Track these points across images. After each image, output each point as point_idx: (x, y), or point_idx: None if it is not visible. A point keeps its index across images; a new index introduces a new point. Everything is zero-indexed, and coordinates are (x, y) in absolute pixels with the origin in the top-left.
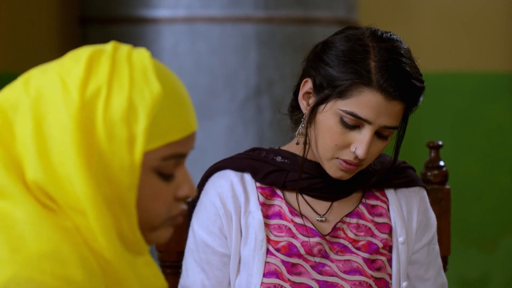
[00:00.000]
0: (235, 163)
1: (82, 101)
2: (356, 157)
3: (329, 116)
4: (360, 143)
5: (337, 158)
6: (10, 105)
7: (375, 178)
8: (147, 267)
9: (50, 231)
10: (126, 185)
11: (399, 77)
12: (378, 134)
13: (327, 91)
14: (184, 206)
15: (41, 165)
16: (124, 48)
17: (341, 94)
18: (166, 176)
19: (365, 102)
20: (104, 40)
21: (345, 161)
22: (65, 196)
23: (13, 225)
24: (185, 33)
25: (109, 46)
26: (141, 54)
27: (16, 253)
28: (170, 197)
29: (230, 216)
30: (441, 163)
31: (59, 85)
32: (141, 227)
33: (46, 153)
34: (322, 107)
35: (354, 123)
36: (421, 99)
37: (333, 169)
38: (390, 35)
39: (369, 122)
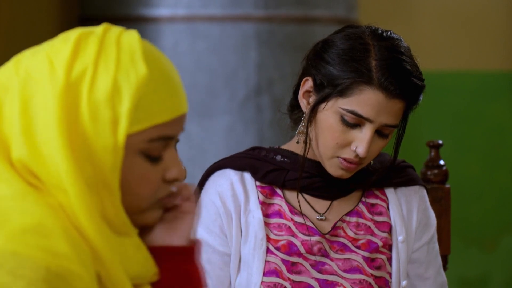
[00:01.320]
0: (235, 162)
1: (67, 82)
2: (357, 155)
3: (329, 114)
4: (361, 142)
5: (338, 156)
6: (1, 86)
7: (375, 177)
8: (137, 250)
9: (34, 206)
10: (109, 166)
11: (400, 76)
12: (379, 132)
13: (327, 89)
14: (173, 189)
15: (26, 144)
16: (115, 30)
17: (342, 92)
18: (153, 158)
19: (366, 100)
20: None
21: (345, 159)
22: (48, 174)
23: None
24: (185, 32)
25: (100, 28)
26: (131, 36)
27: (0, 228)
28: (157, 179)
29: (230, 215)
30: (441, 162)
31: (46, 65)
32: (128, 209)
33: (31, 133)
34: (322, 105)
35: (354, 122)
36: (421, 97)
37: (333, 168)
38: (390, 33)
39: (369, 121)
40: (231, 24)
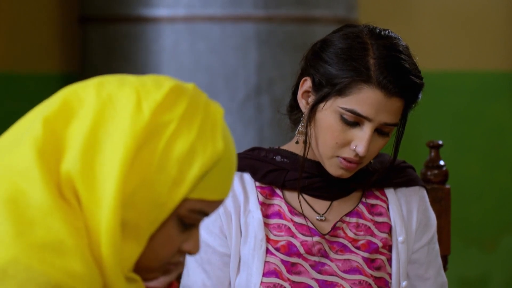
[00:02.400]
0: None
1: (151, 125)
2: (357, 154)
3: (329, 114)
4: (361, 141)
5: (338, 156)
6: (77, 99)
7: (375, 177)
8: None
9: (59, 223)
10: (151, 219)
11: (399, 74)
12: (378, 131)
13: (326, 89)
14: (182, 259)
15: (82, 161)
16: (203, 96)
17: (341, 91)
18: (185, 227)
19: (365, 99)
20: (104, 39)
21: (345, 159)
22: (90, 198)
23: (25, 209)
24: (185, 32)
25: (190, 86)
26: (217, 109)
27: (21, 237)
28: (177, 245)
29: (229, 215)
30: (441, 162)
31: (133, 99)
32: (139, 264)
33: (92, 152)
34: (321, 105)
35: (354, 121)
36: (420, 95)
37: (333, 168)
38: (388, 32)
39: (369, 119)
40: (231, 24)
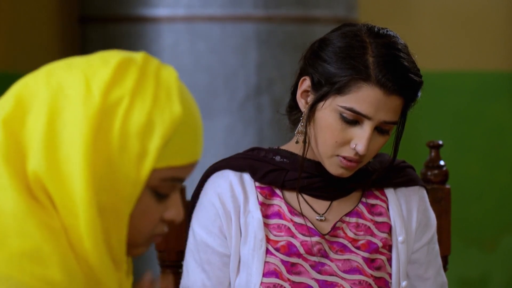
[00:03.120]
0: (234, 163)
1: (102, 105)
2: (357, 153)
3: (328, 113)
4: (360, 139)
5: (337, 155)
6: (29, 94)
7: (374, 176)
8: (127, 279)
9: (34, 229)
10: (125, 197)
11: (398, 72)
12: (378, 129)
13: (325, 88)
14: (166, 229)
15: (45, 158)
16: (154, 62)
17: (340, 90)
18: (160, 196)
19: (364, 97)
20: (104, 39)
21: (345, 158)
22: (62, 193)
23: None
24: (184, 32)
25: (139, 56)
26: (169, 73)
27: None
28: (158, 216)
29: (229, 216)
30: (441, 162)
31: (82, 83)
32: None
33: (53, 147)
34: (321, 104)
35: (353, 119)
36: (419, 94)
37: (333, 167)
38: (387, 31)
39: (368, 118)
40: (231, 24)
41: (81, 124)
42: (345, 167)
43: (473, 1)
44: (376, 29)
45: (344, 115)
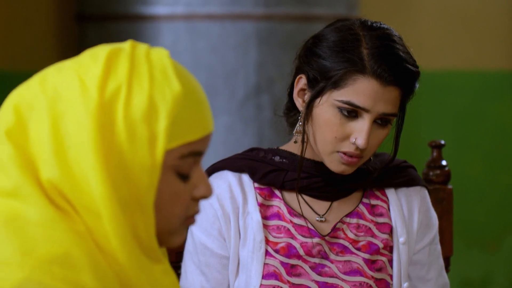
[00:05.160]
0: (233, 163)
1: (101, 100)
2: (357, 148)
3: (325, 108)
4: (360, 133)
5: (338, 151)
6: (26, 104)
7: (376, 173)
8: (165, 275)
9: (62, 234)
10: (145, 185)
11: (393, 62)
12: (377, 123)
13: (321, 83)
14: (198, 208)
15: (57, 164)
16: (143, 47)
17: (336, 84)
18: (183, 176)
19: (360, 89)
20: (102, 38)
21: (345, 153)
22: (80, 196)
23: (25, 227)
24: (184, 30)
25: (127, 45)
26: (160, 53)
27: (27, 256)
28: (187, 197)
29: (228, 217)
30: (443, 162)
31: (77, 84)
32: (158, 230)
33: (62, 152)
34: (318, 100)
35: (351, 113)
36: (417, 85)
37: (334, 164)
38: (380, 24)
39: (366, 110)
40: (230, 22)
41: (84, 123)
42: (346, 163)
43: (475, 0)
44: (369, 22)
45: (342, 109)
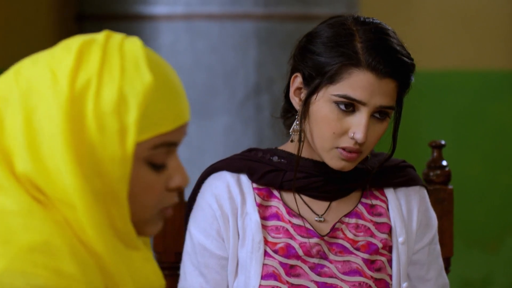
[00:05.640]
0: (231, 164)
1: (72, 93)
2: (356, 142)
3: (322, 104)
4: (358, 127)
5: (337, 147)
6: (1, 97)
7: (375, 169)
8: (146, 262)
9: (40, 223)
10: (117, 176)
11: (387, 54)
12: (375, 117)
13: (317, 80)
14: (175, 198)
15: (31, 158)
16: (116, 38)
17: (332, 79)
18: (157, 166)
19: (356, 83)
20: None
21: (344, 149)
22: (54, 188)
23: (4, 216)
24: (183, 30)
25: (101, 36)
26: (133, 44)
27: (8, 245)
28: (161, 188)
29: (227, 218)
30: (444, 162)
31: (48, 76)
32: (133, 220)
33: (35, 146)
34: (314, 97)
35: (348, 107)
36: (413, 78)
37: (334, 160)
38: (373, 19)
39: (363, 103)
40: (230, 22)
41: (55, 116)
42: (346, 159)
43: (475, 0)
44: (361, 18)
45: (339, 104)
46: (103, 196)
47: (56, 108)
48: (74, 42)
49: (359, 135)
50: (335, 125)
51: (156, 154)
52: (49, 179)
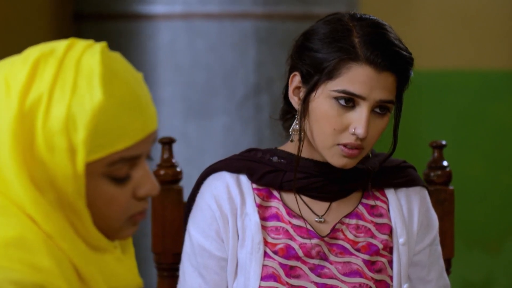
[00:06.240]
0: (231, 164)
1: (21, 109)
2: (357, 138)
3: (322, 101)
4: (358, 122)
5: (338, 144)
6: None
7: (376, 167)
8: (118, 263)
9: (15, 219)
10: (71, 193)
11: (385, 48)
12: (376, 112)
13: (316, 76)
14: (145, 205)
15: None
16: (77, 49)
17: (330, 74)
18: (119, 180)
19: (355, 77)
20: (99, 36)
21: (346, 145)
22: (13, 200)
23: None
24: (182, 29)
25: (62, 46)
26: (92, 57)
27: None
28: (125, 199)
29: (226, 218)
30: (445, 163)
31: (3, 88)
32: (101, 230)
33: None
34: (313, 94)
35: (348, 102)
36: (411, 72)
37: (335, 158)
38: (369, 16)
39: (363, 98)
40: (229, 21)
41: (5, 131)
42: (348, 155)
43: (475, 0)
44: (358, 14)
45: (339, 99)
46: (62, 207)
47: (7, 122)
48: (32, 53)
49: (360, 130)
50: (335, 122)
51: (116, 169)
52: (7, 191)
